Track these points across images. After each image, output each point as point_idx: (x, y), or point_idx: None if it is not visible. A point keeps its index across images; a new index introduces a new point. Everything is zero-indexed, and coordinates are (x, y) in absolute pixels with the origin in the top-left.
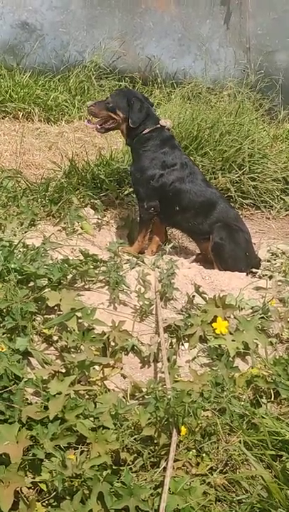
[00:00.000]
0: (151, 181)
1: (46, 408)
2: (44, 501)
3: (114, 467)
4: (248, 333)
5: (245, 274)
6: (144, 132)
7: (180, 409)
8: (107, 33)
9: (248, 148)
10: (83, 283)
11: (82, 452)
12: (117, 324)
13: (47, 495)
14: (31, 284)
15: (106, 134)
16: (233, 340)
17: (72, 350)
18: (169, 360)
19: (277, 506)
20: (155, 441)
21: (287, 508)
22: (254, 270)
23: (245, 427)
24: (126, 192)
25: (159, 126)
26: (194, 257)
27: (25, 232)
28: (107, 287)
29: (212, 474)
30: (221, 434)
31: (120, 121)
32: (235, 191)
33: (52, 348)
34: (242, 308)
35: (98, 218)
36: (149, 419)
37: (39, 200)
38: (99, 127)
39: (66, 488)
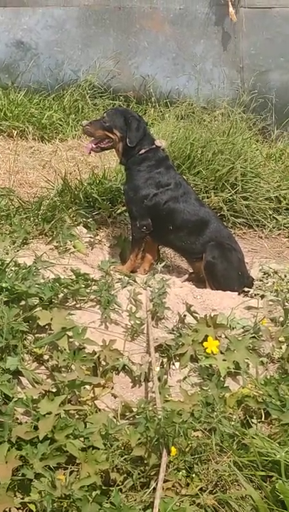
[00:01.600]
0: (145, 200)
1: (36, 428)
2: None
3: (103, 487)
4: (239, 353)
5: (237, 293)
6: (140, 152)
7: (170, 430)
8: (102, 52)
9: (241, 167)
10: (74, 302)
11: (71, 472)
12: (107, 343)
13: None
14: (22, 303)
15: (100, 153)
16: (224, 360)
17: (63, 369)
18: (159, 379)
19: None
20: (145, 462)
21: None
22: (246, 289)
23: (235, 448)
24: (119, 211)
25: (154, 146)
26: (187, 276)
27: (18, 250)
28: (98, 306)
29: (202, 495)
30: (211, 455)
31: (117, 140)
32: (227, 210)
33: (43, 367)
34: (233, 328)
35: (91, 237)
36: (139, 439)
37: (32, 218)
38: (94, 146)
39: (55, 508)
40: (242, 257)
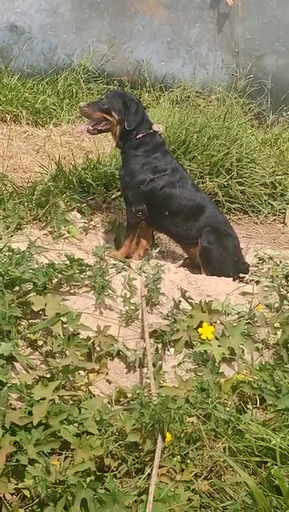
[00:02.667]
0: (141, 186)
1: (30, 413)
2: (27, 507)
3: (98, 473)
4: (234, 339)
5: (232, 279)
6: (137, 137)
7: (165, 416)
8: (96, 36)
9: (236, 152)
10: (69, 287)
11: (66, 458)
12: (102, 329)
13: (30, 501)
14: (16, 288)
15: (94, 137)
16: (219, 346)
17: (57, 355)
18: (154, 365)
19: None
20: (140, 448)
21: None
22: (242, 275)
23: (230, 433)
24: (113, 196)
25: (152, 131)
26: (182, 261)
27: (11, 235)
28: (92, 292)
29: (197, 481)
30: (206, 441)
31: (114, 123)
32: (222, 196)
33: (37, 353)
34: (228, 314)
35: (85, 222)
36: (133, 425)
37: (25, 203)
38: (91, 128)
39: (49, 494)
40: (238, 243)
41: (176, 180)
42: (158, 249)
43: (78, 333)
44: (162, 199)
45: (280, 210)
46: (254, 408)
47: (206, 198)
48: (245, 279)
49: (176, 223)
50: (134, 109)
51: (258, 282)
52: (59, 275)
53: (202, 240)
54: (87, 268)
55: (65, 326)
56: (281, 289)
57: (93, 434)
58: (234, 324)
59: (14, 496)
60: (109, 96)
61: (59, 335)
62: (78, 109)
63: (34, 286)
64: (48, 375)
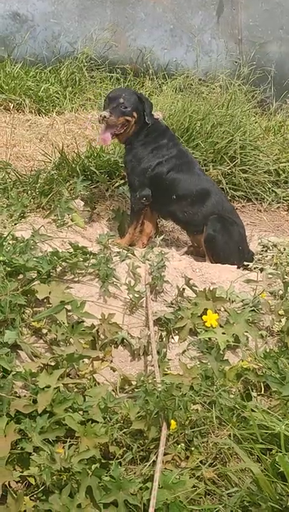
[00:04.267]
0: (149, 170)
1: (35, 401)
2: (32, 495)
3: (103, 461)
4: (238, 326)
5: (237, 267)
6: None
7: (170, 403)
8: (99, 24)
9: (240, 140)
10: (73, 276)
11: (70, 446)
12: (106, 317)
13: (35, 489)
14: (20, 276)
15: (97, 125)
16: (223, 333)
17: (62, 343)
18: (158, 353)
19: (267, 499)
20: (144, 435)
21: (276, 501)
22: (246, 263)
23: (235, 421)
24: (116, 184)
25: (156, 118)
26: (185, 249)
27: (15, 224)
28: (96, 280)
29: (202, 468)
30: (211, 428)
31: (132, 123)
32: (226, 183)
33: (41, 341)
34: (233, 301)
35: (88, 210)
36: (138, 412)
37: (29, 192)
38: (114, 134)
39: (54, 482)
40: (243, 231)
41: (183, 163)
42: (162, 237)
43: (83, 321)
44: (169, 183)
45: (284, 197)
46: (258, 395)
47: (212, 183)
48: (249, 266)
49: (182, 208)
50: (148, 102)
51: (262, 270)
52: (63, 263)
53: (208, 228)
54: (91, 256)
55: (69, 314)
56: (285, 277)
57: (98, 422)
58: (238, 311)
59: (19, 484)
60: (128, 97)
61: (63, 323)
62: (100, 119)
63: (38, 274)
64: (53, 363)
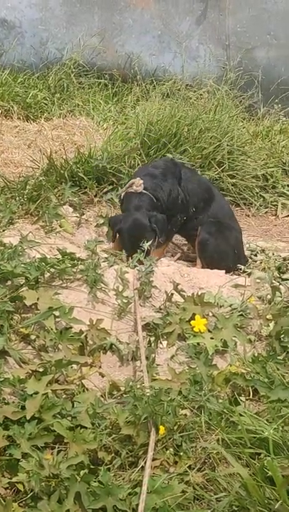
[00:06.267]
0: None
1: (23, 408)
2: (21, 502)
3: (91, 467)
4: (227, 331)
5: (232, 272)
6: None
7: (158, 408)
8: (87, 30)
9: (228, 145)
10: (61, 281)
11: (59, 452)
12: (94, 323)
13: (24, 495)
14: (8, 283)
15: (85, 131)
16: (211, 338)
17: (50, 349)
18: (147, 358)
19: (255, 504)
20: (133, 441)
21: (264, 506)
22: (240, 266)
23: (223, 425)
24: (105, 190)
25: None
26: (178, 255)
27: (3, 230)
28: (85, 286)
29: (190, 472)
30: (200, 433)
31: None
32: None
33: (29, 347)
34: (221, 306)
35: (77, 216)
36: (127, 418)
37: (17, 198)
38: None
39: (43, 488)
40: (240, 236)
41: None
42: (150, 243)
43: (71, 327)
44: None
45: (271, 202)
46: (247, 400)
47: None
48: (239, 270)
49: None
50: (159, 223)
51: (249, 274)
52: (51, 269)
53: (202, 230)
54: (79, 262)
55: (57, 320)
56: (273, 281)
57: (86, 428)
58: (226, 316)
59: (8, 490)
60: (137, 234)
61: (52, 329)
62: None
63: (26, 280)
64: (41, 369)
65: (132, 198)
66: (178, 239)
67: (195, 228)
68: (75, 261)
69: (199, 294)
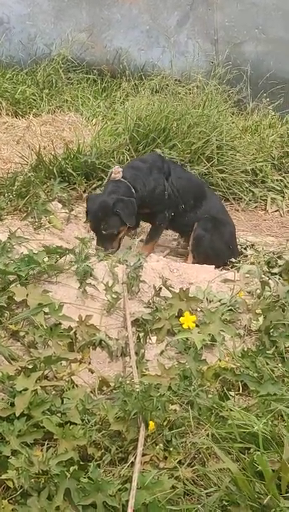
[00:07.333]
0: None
1: (12, 405)
2: (11, 498)
3: (81, 463)
4: (214, 325)
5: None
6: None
7: (148, 404)
8: (75, 25)
9: (217, 140)
10: (49, 277)
11: (48, 448)
12: (84, 319)
13: (13, 492)
14: None
15: (74, 127)
16: (199, 333)
17: (40, 345)
18: (136, 354)
19: (245, 498)
20: (123, 436)
21: (254, 500)
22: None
23: (213, 420)
24: (94, 185)
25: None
26: (168, 251)
27: None
28: (74, 281)
29: (180, 468)
30: (189, 428)
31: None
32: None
33: (18, 343)
34: (210, 301)
35: (66, 212)
36: (116, 413)
37: (6, 194)
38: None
39: (33, 484)
40: (234, 231)
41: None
42: (140, 239)
43: (60, 323)
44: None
45: (261, 197)
46: (236, 395)
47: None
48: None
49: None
50: (125, 210)
51: (239, 269)
52: (40, 265)
53: (198, 227)
54: (68, 251)
55: (47, 316)
56: (262, 276)
57: (76, 424)
58: (212, 311)
59: None
60: (106, 225)
61: (41, 325)
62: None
63: (18, 277)
64: (30, 366)
65: (109, 185)
66: (167, 234)
67: (189, 224)
68: (64, 251)
69: (184, 289)
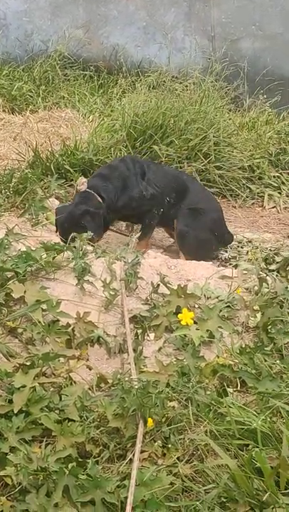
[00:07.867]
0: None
1: (10, 401)
2: (9, 495)
3: (79, 460)
4: (212, 322)
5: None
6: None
7: (146, 400)
8: (71, 22)
9: (214, 136)
10: (47, 274)
11: (47, 445)
12: (82, 316)
13: (12, 489)
14: None
15: (71, 124)
16: (197, 329)
17: (38, 342)
18: (135, 351)
19: (244, 495)
20: (121, 433)
21: (253, 497)
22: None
23: (211, 417)
24: None
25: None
26: (162, 250)
27: None
28: (72, 278)
29: (179, 465)
30: (188, 425)
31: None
32: (201, 180)
33: (16, 340)
34: (208, 298)
35: None
36: (115, 410)
37: (3, 191)
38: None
39: (31, 481)
40: (219, 214)
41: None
42: (137, 235)
43: (58, 320)
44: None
45: (258, 193)
46: (235, 391)
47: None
48: (227, 253)
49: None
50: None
51: (236, 266)
52: (37, 263)
53: (178, 223)
54: (65, 248)
55: (44, 313)
56: (260, 272)
57: (74, 421)
58: (210, 307)
59: None
60: (64, 230)
61: (39, 322)
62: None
63: (16, 274)
64: (28, 363)
65: (76, 196)
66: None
67: (172, 218)
68: (62, 248)
69: (182, 285)
